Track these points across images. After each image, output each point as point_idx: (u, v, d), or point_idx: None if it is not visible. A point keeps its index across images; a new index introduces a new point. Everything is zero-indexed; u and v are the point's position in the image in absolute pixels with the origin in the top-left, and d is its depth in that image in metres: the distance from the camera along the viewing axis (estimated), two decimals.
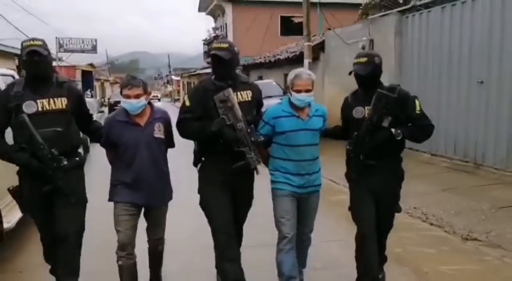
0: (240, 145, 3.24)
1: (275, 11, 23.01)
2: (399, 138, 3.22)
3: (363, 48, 10.60)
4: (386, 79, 3.84)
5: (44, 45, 3.29)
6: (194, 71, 38.96)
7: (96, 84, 41.57)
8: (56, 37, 29.93)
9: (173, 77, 63.70)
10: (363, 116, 3.36)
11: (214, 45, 3.46)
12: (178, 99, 54.88)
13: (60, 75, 3.54)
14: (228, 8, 26.97)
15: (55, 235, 3.29)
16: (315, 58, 13.33)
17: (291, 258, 3.43)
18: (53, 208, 3.29)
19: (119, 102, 32.91)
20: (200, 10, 32.42)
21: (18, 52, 19.64)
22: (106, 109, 24.82)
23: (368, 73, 3.30)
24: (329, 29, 13.37)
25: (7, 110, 3.19)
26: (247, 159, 3.23)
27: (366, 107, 3.34)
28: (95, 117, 14.44)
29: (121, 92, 3.33)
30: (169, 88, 71.61)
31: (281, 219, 3.41)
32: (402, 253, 4.59)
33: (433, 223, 5.64)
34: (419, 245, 4.91)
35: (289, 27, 24.38)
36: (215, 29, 30.85)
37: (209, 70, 30.80)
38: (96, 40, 31.70)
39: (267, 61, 18.23)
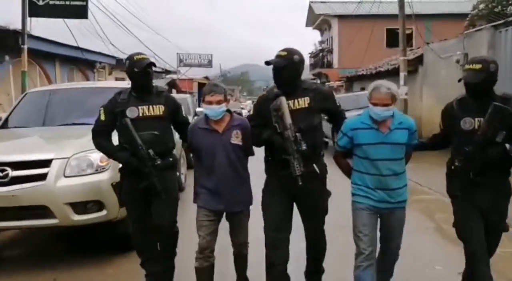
0: (286, 154, 3.24)
1: (380, 24, 23.50)
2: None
3: (457, 62, 11.09)
4: None
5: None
6: None
7: None
8: (177, 53, 33.26)
9: None
10: (472, 128, 3.08)
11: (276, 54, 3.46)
12: None
13: (159, 86, 3.95)
14: (334, 22, 27.97)
15: (149, 227, 3.68)
16: (414, 71, 13.91)
17: (368, 275, 3.27)
18: (148, 204, 3.64)
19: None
20: (307, 24, 33.78)
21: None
22: None
23: (480, 81, 3.01)
24: (428, 43, 13.89)
25: (114, 115, 3.64)
26: (291, 167, 3.21)
27: (476, 119, 3.07)
28: None
29: (203, 99, 3.41)
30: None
31: (358, 234, 3.30)
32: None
33: None
34: None
35: (395, 39, 24.72)
36: (321, 42, 32.01)
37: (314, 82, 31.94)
38: (211, 55, 34.58)
39: (368, 73, 18.95)
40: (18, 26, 10.36)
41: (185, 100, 12.53)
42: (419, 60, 14.06)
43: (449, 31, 14.86)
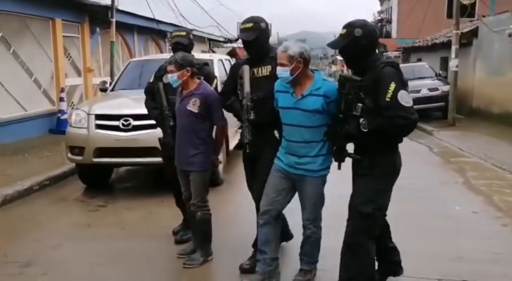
0: (241, 121, 3.51)
1: None
2: (365, 130, 2.79)
3: (510, 35, 11.59)
4: None
5: (187, 36, 4.31)
6: None
7: None
8: (238, 22, 34.20)
9: (337, 57, 65.45)
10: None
11: (241, 26, 3.51)
12: None
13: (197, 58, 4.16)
14: None
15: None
16: (468, 44, 14.36)
17: (263, 233, 3.39)
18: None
19: None
20: None
21: (211, 37, 23.67)
22: None
23: (343, 47, 2.92)
24: (483, 16, 14.26)
25: (157, 79, 4.27)
26: (243, 134, 3.44)
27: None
28: None
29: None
30: (333, 68, 73.63)
31: (264, 192, 3.38)
32: None
33: None
34: None
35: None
36: (380, 12, 32.05)
37: None
38: (270, 25, 35.03)
39: (425, 44, 19.33)
40: (107, 1, 11.90)
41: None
42: (474, 33, 14.47)
43: None
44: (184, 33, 4.36)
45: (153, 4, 15.38)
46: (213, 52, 22.11)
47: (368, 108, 2.81)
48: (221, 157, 6.49)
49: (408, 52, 23.33)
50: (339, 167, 3.08)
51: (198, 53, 15.98)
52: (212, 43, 24.41)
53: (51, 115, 11.07)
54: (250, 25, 3.45)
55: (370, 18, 33.87)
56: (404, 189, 6.23)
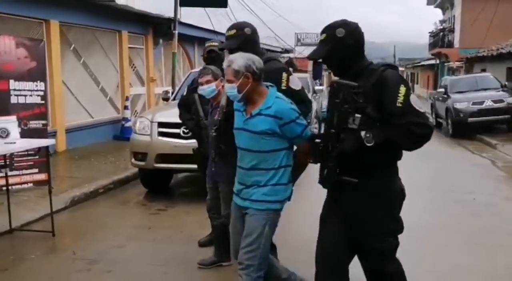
0: None
1: (506, 1, 22.51)
2: (370, 144, 2.30)
3: None
4: None
5: (219, 46, 4.42)
6: (419, 62, 39.49)
7: (324, 74, 45.53)
8: (296, 33, 34.52)
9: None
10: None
11: (225, 34, 3.37)
12: None
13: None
14: (458, 1, 27.15)
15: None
16: None
17: None
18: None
19: None
20: (429, 3, 32.98)
21: (269, 48, 24.01)
22: None
23: (325, 55, 2.49)
24: None
25: (191, 91, 4.40)
26: None
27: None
28: (325, 102, 17.32)
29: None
30: None
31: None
32: None
33: None
34: None
35: None
36: (442, 21, 31.17)
37: (433, 62, 31.30)
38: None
39: (489, 54, 18.61)
40: (170, 14, 12.38)
41: (305, 79, 13.84)
42: None
43: None
44: (216, 44, 4.55)
45: (213, 17, 15.84)
46: None
47: (371, 118, 2.34)
48: None
49: (471, 62, 22.52)
50: (331, 188, 2.57)
51: None
52: (269, 54, 24.69)
53: (116, 123, 11.65)
54: (232, 32, 3.29)
55: (431, 28, 33.08)
56: (464, 204, 6.09)
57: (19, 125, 5.26)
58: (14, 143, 4.73)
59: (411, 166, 8.68)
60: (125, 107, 11.68)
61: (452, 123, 13.29)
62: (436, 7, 32.32)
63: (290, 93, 3.11)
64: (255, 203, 2.74)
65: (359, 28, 2.53)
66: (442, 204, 6.17)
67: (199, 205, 6.11)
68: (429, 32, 32.04)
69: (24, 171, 6.36)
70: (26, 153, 6.14)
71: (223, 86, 3.36)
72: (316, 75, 35.36)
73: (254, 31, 3.35)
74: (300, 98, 3.25)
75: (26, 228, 5.14)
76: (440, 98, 14.86)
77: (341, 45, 2.43)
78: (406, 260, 4.21)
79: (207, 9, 14.43)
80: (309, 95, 11.95)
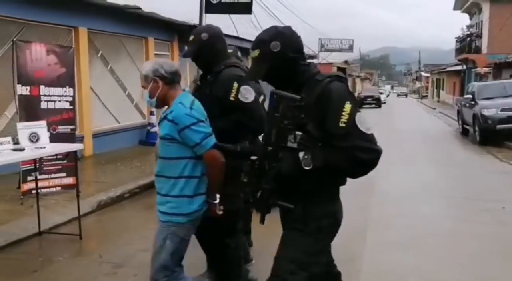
0: None
1: None
2: (308, 167, 2.00)
3: None
4: None
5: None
6: (445, 68, 38.93)
7: (349, 79, 45.35)
8: (319, 39, 34.49)
9: (422, 73, 63.48)
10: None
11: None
12: (426, 96, 54.80)
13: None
14: (486, 5, 26.68)
15: None
16: None
17: None
18: None
19: (369, 97, 35.25)
20: (455, 8, 32.50)
21: None
22: None
23: (273, 66, 2.17)
24: None
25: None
26: None
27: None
28: None
29: None
30: (418, 84, 71.32)
31: None
32: None
33: None
34: None
35: None
36: (469, 27, 30.68)
37: (459, 68, 30.82)
38: (353, 40, 35.21)
39: None
40: (195, 21, 12.52)
41: None
42: None
43: None
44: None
45: (237, 23, 15.96)
46: None
47: (312, 137, 2.05)
48: None
49: (500, 68, 22.10)
50: (262, 221, 2.19)
51: None
52: None
53: (142, 128, 11.82)
54: (191, 38, 3.12)
55: (458, 33, 32.58)
56: (493, 212, 5.97)
57: (48, 130, 5.37)
58: (44, 147, 4.84)
59: (439, 174, 8.61)
60: (151, 113, 11.84)
61: (479, 130, 13.05)
62: (463, 12, 31.81)
63: (238, 105, 2.96)
64: (160, 214, 2.70)
65: (294, 34, 2.21)
66: (470, 212, 6.06)
67: None
68: (456, 38, 31.54)
69: (53, 175, 6.49)
70: (54, 157, 6.28)
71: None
72: None
73: (212, 35, 3.09)
74: (248, 113, 2.99)
75: (54, 231, 5.24)
76: (467, 105, 14.61)
77: (279, 60, 2.14)
78: (434, 268, 4.18)
79: (232, 15, 14.54)
80: None
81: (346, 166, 2.04)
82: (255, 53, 2.18)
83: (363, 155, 2.01)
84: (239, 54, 4.41)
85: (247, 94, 3.00)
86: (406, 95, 70.28)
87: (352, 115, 2.02)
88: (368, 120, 2.09)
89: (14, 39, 6.52)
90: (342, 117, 2.01)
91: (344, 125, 2.01)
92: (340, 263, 4.21)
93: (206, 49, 3.06)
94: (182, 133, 2.57)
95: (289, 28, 2.23)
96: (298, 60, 2.19)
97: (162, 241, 2.66)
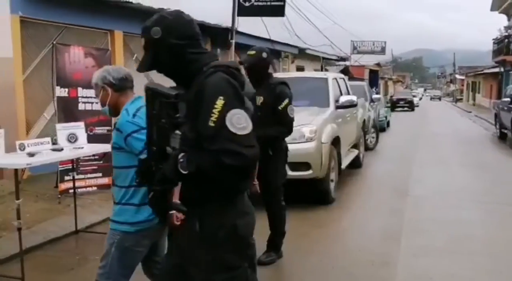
0: None
1: None
2: (185, 172, 1.81)
3: None
4: None
5: (257, 54, 4.05)
6: (481, 70, 37.95)
7: (381, 82, 44.76)
8: (351, 41, 34.18)
9: (457, 76, 62.04)
10: None
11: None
12: (461, 99, 53.52)
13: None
14: None
15: None
16: None
17: None
18: None
19: (401, 99, 34.62)
20: (492, 9, 31.65)
21: (324, 56, 23.91)
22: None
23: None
24: None
25: None
26: None
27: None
28: (383, 111, 17.02)
29: None
30: (452, 87, 69.74)
31: None
32: None
33: None
34: None
35: None
36: (507, 28, 29.82)
37: (497, 70, 29.99)
38: (385, 42, 34.75)
39: None
40: (228, 24, 12.61)
41: (362, 87, 13.65)
42: None
43: None
44: (253, 52, 4.17)
45: (269, 25, 15.97)
46: (326, 70, 22.28)
47: (187, 139, 1.85)
48: (333, 176, 6.55)
49: None
50: (162, 221, 2.07)
51: (311, 72, 16.25)
52: (325, 62, 24.61)
53: None
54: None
55: (495, 34, 31.66)
56: None
57: (86, 131, 5.51)
58: (82, 148, 4.96)
59: (475, 178, 8.39)
60: None
61: None
62: (500, 13, 30.93)
63: None
64: (110, 222, 2.68)
65: (180, 18, 2.01)
66: (506, 218, 5.89)
67: (256, 210, 6.15)
68: (493, 39, 30.71)
69: (89, 175, 6.65)
70: (91, 158, 6.43)
71: None
72: (373, 83, 34.95)
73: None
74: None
75: (90, 230, 5.36)
76: (505, 108, 14.21)
77: (161, 47, 1.95)
78: (470, 275, 4.07)
79: (264, 18, 14.56)
80: (366, 104, 11.94)
81: (212, 172, 1.77)
82: (142, 41, 2.00)
83: (226, 160, 1.72)
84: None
85: None
86: (439, 98, 68.77)
87: (222, 112, 1.76)
88: (244, 118, 1.80)
89: (54, 42, 6.72)
90: (212, 115, 1.76)
91: (213, 124, 1.76)
92: (374, 267, 4.22)
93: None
94: (127, 141, 2.50)
95: (176, 11, 2.03)
96: (185, 48, 1.95)
97: (109, 247, 2.64)
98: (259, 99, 3.95)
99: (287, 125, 4.16)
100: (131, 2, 9.49)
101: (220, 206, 1.93)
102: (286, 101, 4.06)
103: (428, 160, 10.56)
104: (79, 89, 6.50)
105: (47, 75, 7.20)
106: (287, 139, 5.99)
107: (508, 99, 14.11)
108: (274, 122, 4.06)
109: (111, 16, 9.39)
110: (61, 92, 6.35)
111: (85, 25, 8.90)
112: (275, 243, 4.41)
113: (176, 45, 1.94)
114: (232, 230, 1.93)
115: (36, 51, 7.93)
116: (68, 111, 6.39)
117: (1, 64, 6.94)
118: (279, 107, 4.05)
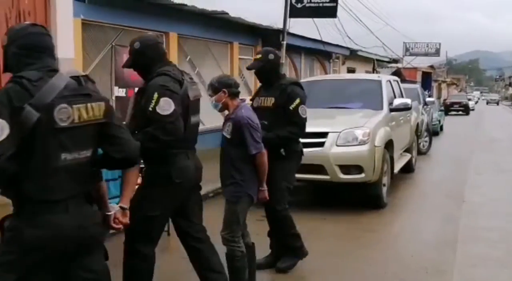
0: None
1: None
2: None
3: None
4: None
5: (264, 57, 4.10)
6: None
7: (434, 85, 43.44)
8: (404, 42, 33.39)
9: None
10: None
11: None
12: None
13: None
14: None
15: None
16: None
17: None
18: None
19: (456, 103, 33.39)
20: None
21: (376, 57, 23.47)
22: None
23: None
24: None
25: None
26: None
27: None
28: (436, 115, 16.46)
29: None
30: (510, 90, 66.72)
31: None
32: None
33: None
34: None
35: None
36: None
37: None
38: (439, 44, 33.71)
39: None
40: (280, 25, 12.64)
41: (415, 90, 13.30)
42: None
43: None
44: (259, 56, 4.18)
45: (320, 27, 15.90)
46: (377, 72, 21.89)
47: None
48: (385, 180, 6.43)
49: None
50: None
51: (364, 74, 15.96)
52: (377, 63, 24.19)
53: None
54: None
55: None
56: None
57: None
58: None
59: None
60: None
61: None
62: None
63: (155, 118, 2.81)
64: None
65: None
66: None
67: (304, 215, 6.16)
68: None
69: None
70: None
71: (231, 98, 3.57)
72: (426, 86, 33.96)
73: (144, 45, 3.17)
74: (161, 125, 2.83)
75: None
76: None
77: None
78: None
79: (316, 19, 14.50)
80: (419, 107, 11.65)
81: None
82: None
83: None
84: None
85: (165, 105, 2.87)
86: (497, 102, 65.77)
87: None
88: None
89: (113, 44, 6.96)
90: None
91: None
92: (429, 275, 4.11)
93: (139, 57, 3.08)
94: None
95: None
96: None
97: None
98: (271, 100, 4.00)
99: (298, 125, 4.04)
100: (186, 5, 9.69)
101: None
102: (298, 100, 3.95)
103: (484, 166, 10.17)
104: (136, 89, 6.68)
105: (105, 75, 7.48)
106: (342, 142, 5.99)
107: None
108: (287, 124, 4.00)
109: (167, 19, 9.63)
110: (119, 92, 6.59)
111: (141, 27, 9.16)
112: (287, 247, 4.22)
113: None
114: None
115: (96, 52, 8.26)
116: (125, 110, 6.59)
117: (64, 64, 7.25)
118: (290, 107, 3.96)
